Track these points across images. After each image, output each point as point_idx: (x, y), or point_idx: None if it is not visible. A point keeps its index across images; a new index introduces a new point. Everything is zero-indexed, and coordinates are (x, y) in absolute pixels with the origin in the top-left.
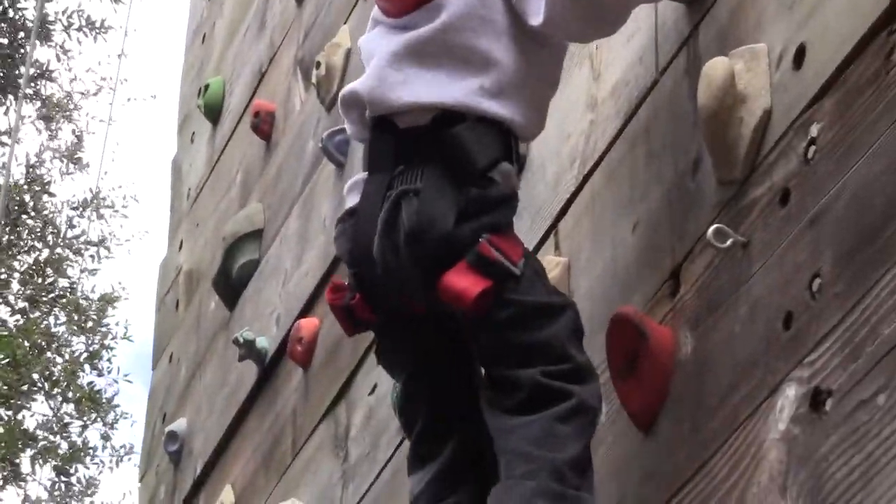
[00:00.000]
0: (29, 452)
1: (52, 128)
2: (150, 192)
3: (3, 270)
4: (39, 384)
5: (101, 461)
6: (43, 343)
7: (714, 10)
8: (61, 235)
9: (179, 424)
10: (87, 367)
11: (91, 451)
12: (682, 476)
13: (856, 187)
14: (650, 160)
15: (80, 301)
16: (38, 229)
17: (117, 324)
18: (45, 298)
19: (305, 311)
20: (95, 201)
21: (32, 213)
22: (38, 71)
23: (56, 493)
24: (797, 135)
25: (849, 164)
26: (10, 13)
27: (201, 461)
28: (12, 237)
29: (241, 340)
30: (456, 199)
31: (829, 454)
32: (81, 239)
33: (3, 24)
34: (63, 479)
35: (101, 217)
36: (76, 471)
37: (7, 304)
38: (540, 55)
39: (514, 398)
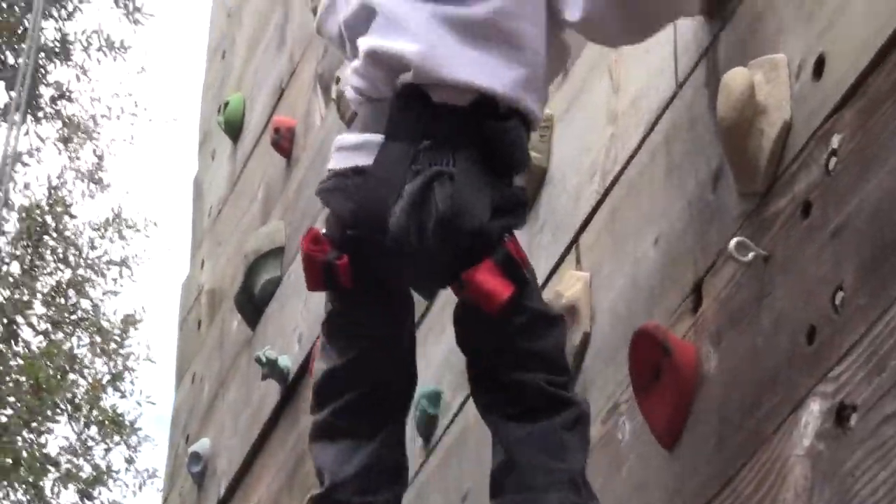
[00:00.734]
0: (52, 476)
1: (73, 149)
2: (171, 213)
3: (25, 292)
4: (62, 407)
5: (125, 484)
6: (66, 366)
7: (733, 21)
8: (83, 256)
9: (202, 445)
10: (109, 389)
11: (114, 474)
12: (707, 493)
13: (878, 198)
14: (671, 173)
15: (103, 323)
16: (60, 250)
17: (139, 344)
18: (67, 320)
19: None
20: (117, 221)
21: (54, 235)
22: (59, 91)
23: None
24: (818, 146)
25: (870, 174)
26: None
27: (225, 481)
28: (34, 259)
29: (264, 359)
30: (491, 193)
31: (855, 470)
32: (103, 259)
33: (23, 45)
34: (86, 502)
35: (122, 237)
36: (99, 494)
37: (30, 325)
38: (558, 50)
39: (519, 405)
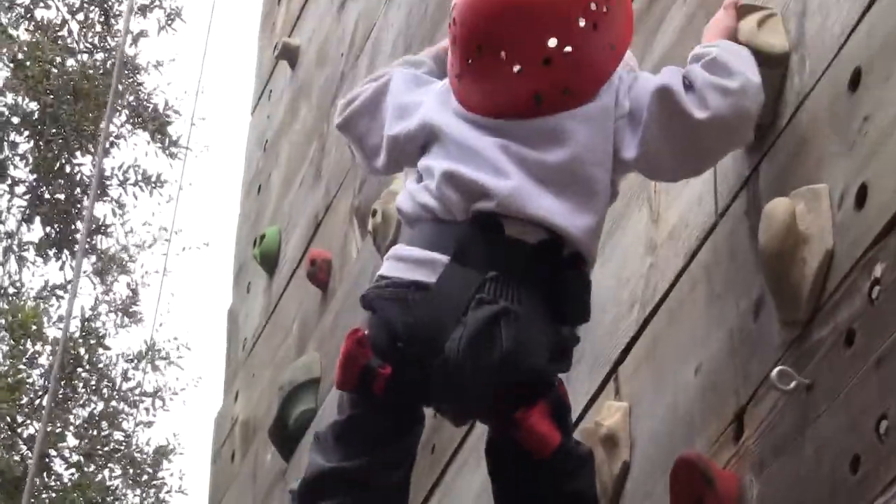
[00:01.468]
0: None
1: (108, 282)
2: (204, 341)
3: (58, 424)
4: None
5: None
6: (98, 498)
7: (773, 150)
8: (116, 388)
9: None
10: None
11: None
12: None
13: None
14: (711, 302)
15: (135, 454)
16: (93, 382)
17: (172, 475)
18: (100, 452)
19: None
20: (150, 353)
21: (87, 367)
22: (94, 226)
23: None
24: (861, 275)
25: None
26: (67, 168)
27: None
28: (67, 391)
29: None
30: (551, 337)
31: None
32: (136, 391)
33: (60, 180)
34: None
35: (156, 369)
36: None
37: (62, 457)
38: (613, 196)
39: None
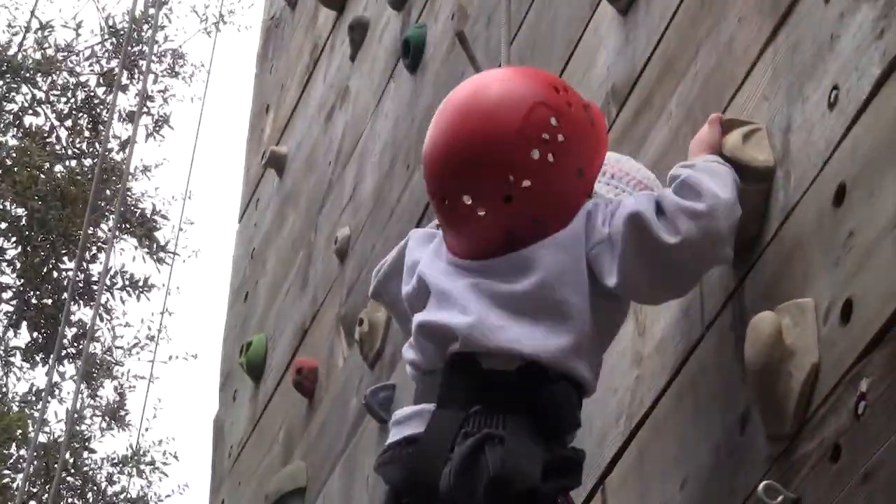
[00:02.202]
0: None
1: (94, 385)
2: (190, 448)
3: None
4: None
5: None
6: None
7: (759, 264)
8: (101, 492)
9: None
10: None
11: None
12: None
13: None
14: (698, 415)
15: None
16: (78, 486)
17: None
18: None
19: None
20: (136, 458)
21: (72, 470)
22: (81, 331)
23: None
24: (847, 390)
25: None
26: (54, 274)
27: None
28: (53, 494)
29: None
30: (542, 455)
31: None
32: (122, 496)
33: (47, 285)
34: None
35: (141, 474)
36: None
37: None
38: (611, 316)
39: None
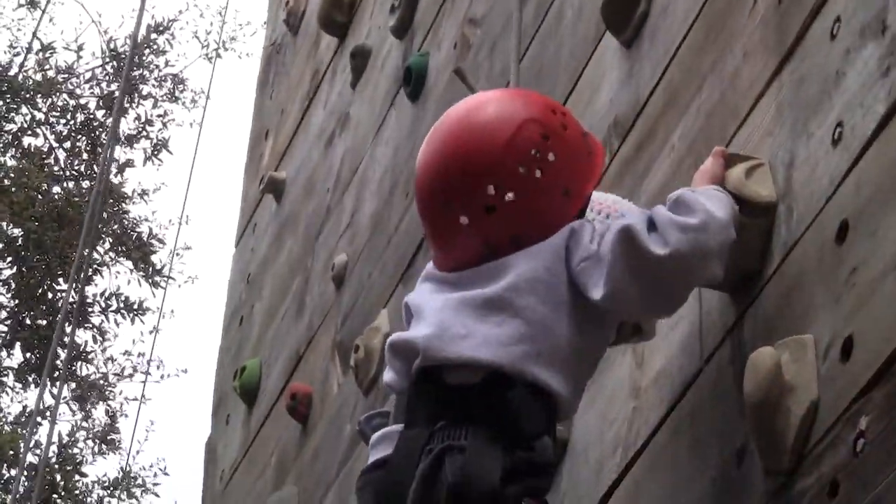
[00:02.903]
0: None
1: (87, 408)
2: (181, 468)
3: None
4: None
5: None
6: None
7: (759, 300)
8: None
9: None
10: None
11: None
12: None
13: None
14: (695, 449)
15: None
16: None
17: None
18: None
19: None
20: (126, 481)
21: (63, 493)
22: (75, 352)
23: None
24: (846, 427)
25: None
26: (49, 295)
27: None
28: None
29: None
30: (502, 459)
31: None
32: None
33: (42, 306)
34: None
35: (131, 496)
36: None
37: None
38: (593, 335)
39: None
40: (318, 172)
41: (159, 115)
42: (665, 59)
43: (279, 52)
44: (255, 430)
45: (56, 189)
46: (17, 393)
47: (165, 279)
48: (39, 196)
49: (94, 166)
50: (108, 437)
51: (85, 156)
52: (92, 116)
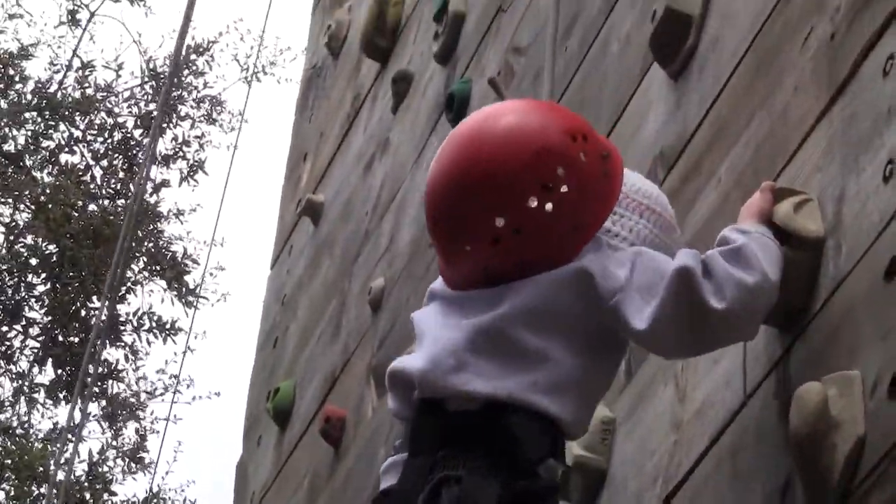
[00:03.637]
0: None
1: (117, 426)
2: (210, 488)
3: None
4: None
5: None
6: None
7: (806, 334)
8: None
9: None
10: None
11: None
12: None
13: None
14: (737, 483)
15: None
16: None
17: None
18: None
19: None
20: (155, 500)
21: None
22: (106, 370)
23: None
24: (892, 464)
25: None
26: (82, 312)
27: None
28: None
29: None
30: (499, 491)
31: None
32: None
33: (74, 324)
34: None
35: None
36: None
37: None
38: (603, 360)
39: None
40: (357, 196)
41: (196, 137)
42: (713, 91)
43: (319, 75)
44: (288, 453)
45: (92, 206)
46: (48, 409)
47: (197, 298)
48: (75, 213)
49: (131, 185)
50: (138, 456)
51: (121, 174)
52: (129, 135)
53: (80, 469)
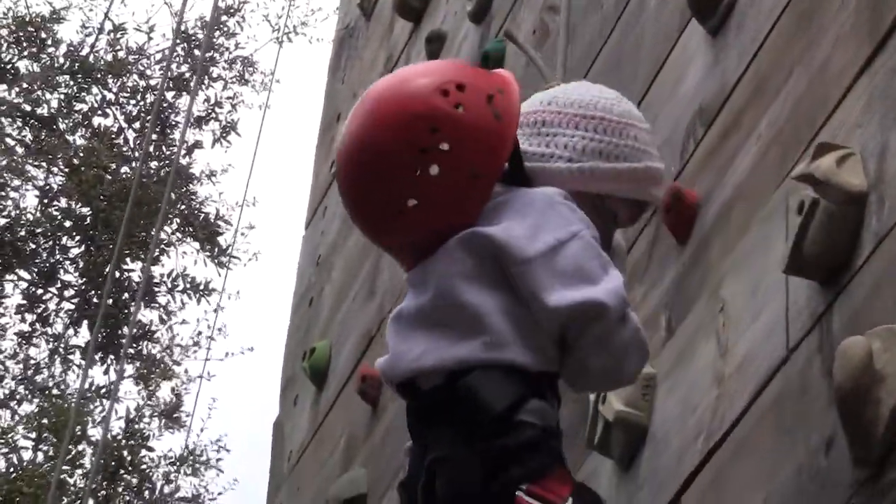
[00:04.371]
0: None
1: (151, 387)
2: (243, 444)
3: None
4: None
5: None
6: None
7: (848, 289)
8: (157, 491)
9: None
10: None
11: None
12: None
13: None
14: (780, 437)
15: None
16: (135, 484)
17: None
18: None
19: None
20: (192, 457)
21: (130, 468)
22: (140, 332)
23: None
24: None
25: None
26: (116, 274)
27: None
28: (109, 492)
29: None
30: (479, 458)
31: None
32: (176, 496)
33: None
34: None
35: (196, 473)
36: None
37: None
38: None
39: None
40: None
41: (228, 98)
42: (753, 47)
43: (352, 35)
44: (325, 412)
45: (125, 169)
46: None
47: (229, 258)
48: (108, 176)
49: (163, 147)
50: (174, 415)
51: (154, 136)
52: (161, 97)
53: (117, 427)
